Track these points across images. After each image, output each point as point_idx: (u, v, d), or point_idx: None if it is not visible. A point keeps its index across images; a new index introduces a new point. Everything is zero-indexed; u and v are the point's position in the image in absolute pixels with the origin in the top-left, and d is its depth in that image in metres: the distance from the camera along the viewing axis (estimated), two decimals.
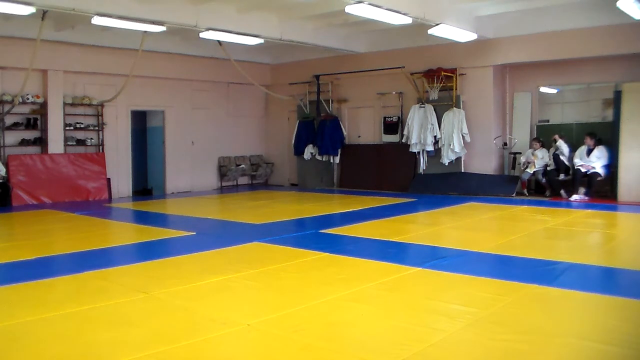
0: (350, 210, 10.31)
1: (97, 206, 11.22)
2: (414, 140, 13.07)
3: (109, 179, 12.78)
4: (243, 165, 15.67)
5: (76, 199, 12.08)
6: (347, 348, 3.49)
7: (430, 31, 10.67)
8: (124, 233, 8.55)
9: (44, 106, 11.92)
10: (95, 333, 3.81)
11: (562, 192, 11.25)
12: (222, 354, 3.52)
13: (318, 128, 14.68)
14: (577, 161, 11.21)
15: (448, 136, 12.68)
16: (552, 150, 11.63)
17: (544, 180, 11.61)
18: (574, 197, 10.88)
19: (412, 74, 13.16)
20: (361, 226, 8.26)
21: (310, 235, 7.71)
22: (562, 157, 11.35)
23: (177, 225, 8.80)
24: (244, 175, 15.89)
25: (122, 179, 13.34)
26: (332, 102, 14.89)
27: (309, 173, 15.21)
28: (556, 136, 11.48)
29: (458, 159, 12.80)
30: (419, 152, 13.18)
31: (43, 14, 9.13)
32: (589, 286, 4.88)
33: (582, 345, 3.49)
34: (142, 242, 7.57)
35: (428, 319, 4.06)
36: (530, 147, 12.05)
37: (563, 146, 11.33)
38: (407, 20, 9.72)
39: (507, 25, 11.88)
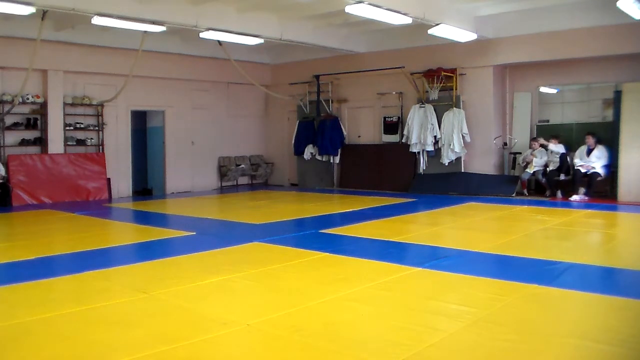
0: (350, 210, 10.31)
1: (97, 206, 11.22)
2: (414, 140, 13.07)
3: (109, 179, 12.78)
4: (243, 165, 15.67)
5: (76, 199, 12.09)
6: (347, 348, 3.49)
7: (430, 31, 10.67)
8: (124, 233, 8.56)
9: (44, 106, 11.92)
10: (95, 333, 3.81)
11: (558, 192, 11.26)
12: (222, 354, 3.52)
13: (318, 128, 14.68)
14: (577, 161, 11.22)
15: (448, 136, 12.68)
16: (548, 151, 11.63)
17: (544, 180, 11.61)
18: (574, 197, 10.89)
19: (412, 74, 13.16)
20: (361, 226, 8.26)
21: (310, 235, 7.71)
22: (556, 156, 11.37)
23: (177, 225, 8.79)
24: (244, 175, 15.89)
25: (122, 179, 13.34)
26: (332, 102, 14.89)
27: (309, 173, 15.21)
28: (547, 141, 11.49)
29: (458, 159, 12.80)
30: (419, 152, 13.18)
31: (43, 14, 9.13)
32: (589, 286, 4.88)
33: (582, 345, 3.49)
34: (142, 242, 7.57)
35: (428, 319, 4.06)
36: (530, 147, 12.04)
37: (555, 148, 11.37)
38: (407, 20, 9.73)
39: (507, 25, 11.88)
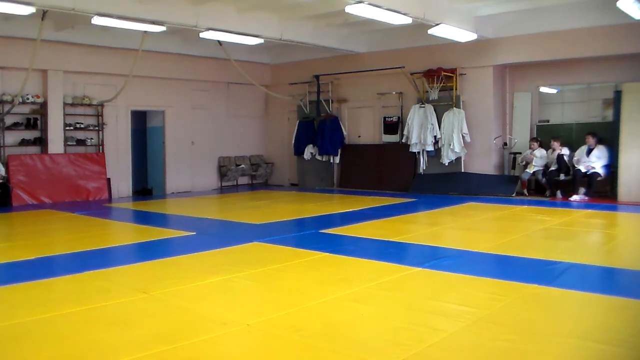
0: (350, 210, 10.31)
1: (97, 206, 11.22)
2: (414, 140, 13.07)
3: (109, 179, 12.78)
4: (243, 165, 15.67)
5: (76, 199, 12.09)
6: (347, 348, 3.49)
7: (430, 31, 10.66)
8: (124, 233, 8.56)
9: (44, 106, 11.92)
10: (95, 333, 3.81)
11: (558, 192, 11.25)
12: (222, 354, 3.52)
13: (318, 128, 14.68)
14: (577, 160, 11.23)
15: (448, 136, 12.68)
16: (550, 151, 11.61)
17: (544, 180, 11.61)
18: (574, 197, 10.88)
19: (412, 74, 13.16)
20: (361, 226, 8.26)
21: (310, 235, 7.71)
22: (565, 158, 11.36)
23: (177, 225, 8.79)
24: (244, 175, 15.89)
25: (122, 179, 13.34)
26: (332, 102, 14.89)
27: (309, 173, 15.21)
28: (556, 144, 11.48)
29: (458, 159, 12.80)
30: (419, 152, 13.18)
31: (43, 14, 9.13)
32: (589, 286, 4.88)
33: (582, 345, 3.49)
34: (142, 242, 7.57)
35: (428, 319, 4.06)
36: (530, 147, 12.04)
37: (565, 151, 11.38)
38: (407, 20, 9.72)
39: (507, 25, 11.88)
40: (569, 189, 11.19)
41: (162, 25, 10.08)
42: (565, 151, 11.42)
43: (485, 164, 12.65)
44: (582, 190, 10.95)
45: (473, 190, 12.17)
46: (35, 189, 11.58)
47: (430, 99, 12.99)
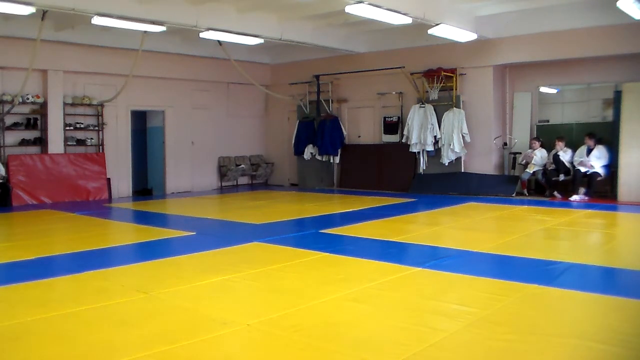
0: (350, 210, 10.31)
1: (97, 206, 11.22)
2: (414, 140, 13.07)
3: (109, 179, 12.78)
4: (243, 165, 15.67)
5: (76, 199, 12.09)
6: (347, 348, 3.49)
7: (430, 31, 10.67)
8: (124, 233, 8.55)
9: (44, 106, 11.92)
10: (95, 333, 3.81)
11: (555, 192, 11.24)
12: (222, 354, 3.52)
13: (318, 128, 14.68)
14: (577, 159, 11.21)
15: (448, 136, 12.68)
16: (553, 151, 11.61)
17: (543, 180, 11.61)
18: (574, 197, 10.88)
19: (412, 74, 13.16)
20: (361, 226, 8.26)
21: (310, 235, 7.71)
22: (562, 159, 11.35)
23: (177, 225, 8.80)
24: (244, 175, 15.89)
25: (122, 179, 13.34)
26: (332, 102, 14.89)
27: (309, 173, 15.21)
28: (559, 143, 11.47)
29: (458, 159, 12.81)
30: (419, 152, 13.19)
31: (43, 14, 9.13)
32: (589, 286, 4.88)
33: (582, 345, 3.49)
34: (142, 242, 7.57)
35: (428, 319, 4.06)
36: (530, 147, 12.04)
37: (564, 153, 11.35)
38: (407, 20, 9.72)
39: (507, 25, 11.88)
40: (569, 189, 11.19)
41: (162, 25, 10.07)
42: (563, 154, 11.38)
43: (485, 164, 12.65)
44: (582, 190, 10.95)
45: (473, 190, 12.18)
46: (35, 189, 11.58)
47: (430, 99, 12.99)
